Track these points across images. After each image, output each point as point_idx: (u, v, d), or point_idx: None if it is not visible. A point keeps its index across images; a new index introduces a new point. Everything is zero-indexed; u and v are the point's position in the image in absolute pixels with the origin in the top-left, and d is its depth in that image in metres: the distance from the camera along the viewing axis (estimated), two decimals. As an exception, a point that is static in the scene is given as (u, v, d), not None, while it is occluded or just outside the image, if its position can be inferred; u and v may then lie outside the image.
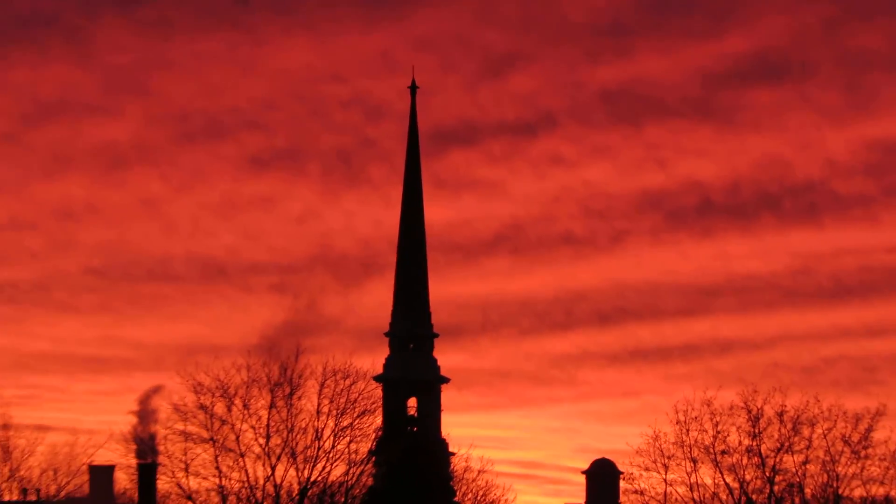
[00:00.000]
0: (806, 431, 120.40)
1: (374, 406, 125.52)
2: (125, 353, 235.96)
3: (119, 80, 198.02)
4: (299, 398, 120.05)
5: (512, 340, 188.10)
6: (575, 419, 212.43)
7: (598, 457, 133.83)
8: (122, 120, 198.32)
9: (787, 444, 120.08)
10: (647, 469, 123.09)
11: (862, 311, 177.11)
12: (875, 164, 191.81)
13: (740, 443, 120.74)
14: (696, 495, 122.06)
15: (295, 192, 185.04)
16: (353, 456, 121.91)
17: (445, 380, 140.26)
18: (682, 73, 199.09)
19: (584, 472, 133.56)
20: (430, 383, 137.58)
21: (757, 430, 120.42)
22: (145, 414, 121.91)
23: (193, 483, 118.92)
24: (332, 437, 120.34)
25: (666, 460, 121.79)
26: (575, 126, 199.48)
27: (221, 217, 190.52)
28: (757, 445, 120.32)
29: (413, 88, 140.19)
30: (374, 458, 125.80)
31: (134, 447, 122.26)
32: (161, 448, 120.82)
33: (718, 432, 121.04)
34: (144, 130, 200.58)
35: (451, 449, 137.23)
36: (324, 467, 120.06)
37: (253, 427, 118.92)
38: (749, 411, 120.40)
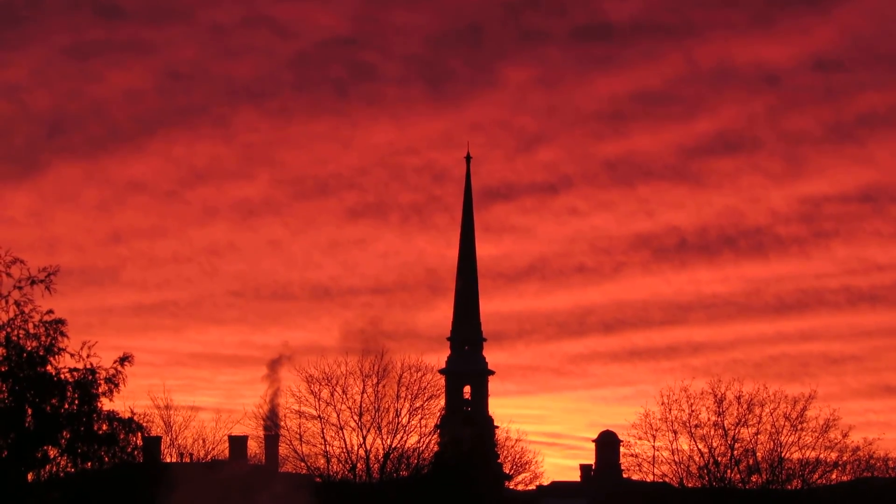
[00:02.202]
0: (757, 411, 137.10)
1: (438, 392, 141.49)
2: (256, 353, 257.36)
3: (252, 152, 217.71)
4: (384, 386, 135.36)
5: (540, 344, 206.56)
6: (586, 402, 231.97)
7: (604, 429, 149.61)
8: (255, 182, 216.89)
9: (743, 419, 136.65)
10: (639, 438, 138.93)
11: (798, 322, 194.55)
12: (806, 214, 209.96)
13: (709, 419, 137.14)
14: (676, 458, 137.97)
15: (381, 234, 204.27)
16: (423, 429, 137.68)
17: (491, 372, 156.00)
18: (665, 147, 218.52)
19: (593, 441, 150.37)
20: (479, 375, 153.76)
21: (721, 410, 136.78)
22: (273, 376, 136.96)
23: (305, 449, 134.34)
24: (407, 415, 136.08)
25: (654, 432, 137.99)
26: (586, 186, 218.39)
27: (327, 253, 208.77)
28: (721, 421, 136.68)
29: (468, 158, 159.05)
30: (438, 431, 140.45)
31: (262, 422, 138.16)
32: (281, 423, 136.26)
33: (692, 411, 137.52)
34: (271, 190, 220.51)
35: (495, 423, 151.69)
36: (401, 437, 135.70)
37: (349, 407, 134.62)
38: (715, 396, 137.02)
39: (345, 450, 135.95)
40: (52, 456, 61.11)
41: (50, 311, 61.75)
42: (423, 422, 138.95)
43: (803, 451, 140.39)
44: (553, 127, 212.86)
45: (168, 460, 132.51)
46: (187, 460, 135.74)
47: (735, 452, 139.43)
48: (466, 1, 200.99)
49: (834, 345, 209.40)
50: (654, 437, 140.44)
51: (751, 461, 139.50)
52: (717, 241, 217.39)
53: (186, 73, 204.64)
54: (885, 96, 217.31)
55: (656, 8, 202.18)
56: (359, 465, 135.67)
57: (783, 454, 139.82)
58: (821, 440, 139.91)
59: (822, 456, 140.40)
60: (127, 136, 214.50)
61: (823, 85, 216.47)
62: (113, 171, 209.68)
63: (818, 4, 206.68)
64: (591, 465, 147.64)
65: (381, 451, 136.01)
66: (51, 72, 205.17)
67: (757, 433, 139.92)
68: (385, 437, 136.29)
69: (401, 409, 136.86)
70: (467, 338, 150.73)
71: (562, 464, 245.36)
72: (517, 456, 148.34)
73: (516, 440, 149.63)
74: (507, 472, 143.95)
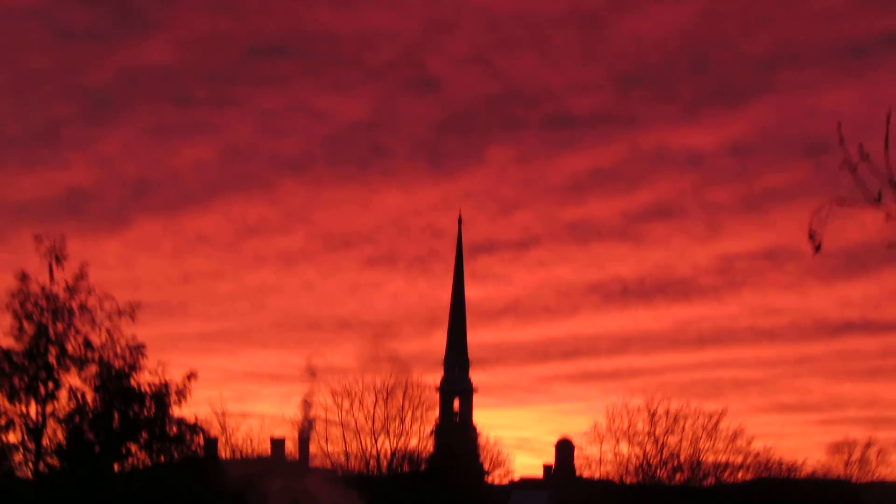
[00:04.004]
0: (681, 422, 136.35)
1: (433, 405, 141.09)
2: (293, 372, 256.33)
3: (292, 213, 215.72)
4: (392, 399, 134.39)
5: (514, 367, 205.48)
6: (549, 414, 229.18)
7: (562, 436, 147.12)
8: (294, 236, 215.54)
9: (670, 429, 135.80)
10: (590, 443, 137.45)
11: (713, 353, 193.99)
12: (722, 268, 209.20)
13: (643, 429, 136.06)
14: (617, 459, 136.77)
15: (391, 279, 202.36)
16: (422, 434, 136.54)
17: (475, 390, 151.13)
18: (613, 213, 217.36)
19: (554, 445, 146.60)
20: (466, 392, 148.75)
21: (653, 422, 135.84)
22: (308, 402, 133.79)
23: (330, 448, 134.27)
24: (410, 422, 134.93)
25: (601, 439, 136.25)
26: (551, 244, 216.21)
27: (349, 293, 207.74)
28: (653, 430, 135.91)
29: (460, 220, 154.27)
30: (433, 435, 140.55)
31: (297, 427, 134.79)
32: (312, 428, 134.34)
33: (631, 423, 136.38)
34: (306, 242, 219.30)
35: (478, 430, 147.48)
36: (405, 440, 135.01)
37: (365, 416, 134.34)
38: (648, 410, 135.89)
39: (361, 449, 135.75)
40: (133, 451, 60.96)
41: (133, 337, 61.64)
42: (422, 428, 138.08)
43: (716, 454, 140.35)
44: (527, 196, 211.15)
45: (223, 456, 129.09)
46: (238, 457, 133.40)
47: (663, 455, 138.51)
48: (460, 95, 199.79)
49: (741, 371, 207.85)
50: (601, 442, 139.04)
51: (675, 462, 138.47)
52: (652, 288, 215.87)
53: (242, 149, 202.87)
54: (785, 176, 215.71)
55: (608, 103, 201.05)
56: (371, 462, 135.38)
57: (701, 457, 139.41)
58: (730, 446, 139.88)
59: (731, 459, 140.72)
60: (195, 199, 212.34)
61: (737, 166, 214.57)
62: (184, 226, 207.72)
63: (735, 103, 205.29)
64: (551, 465, 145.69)
65: (388, 451, 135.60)
66: (137, 146, 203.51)
67: (681, 440, 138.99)
68: (392, 439, 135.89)
69: (405, 418, 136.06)
70: (457, 362, 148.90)
71: (529, 463, 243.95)
72: (494, 456, 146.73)
73: (493, 443, 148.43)
74: (486, 469, 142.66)
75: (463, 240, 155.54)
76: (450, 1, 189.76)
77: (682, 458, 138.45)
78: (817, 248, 7.98)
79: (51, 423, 60.33)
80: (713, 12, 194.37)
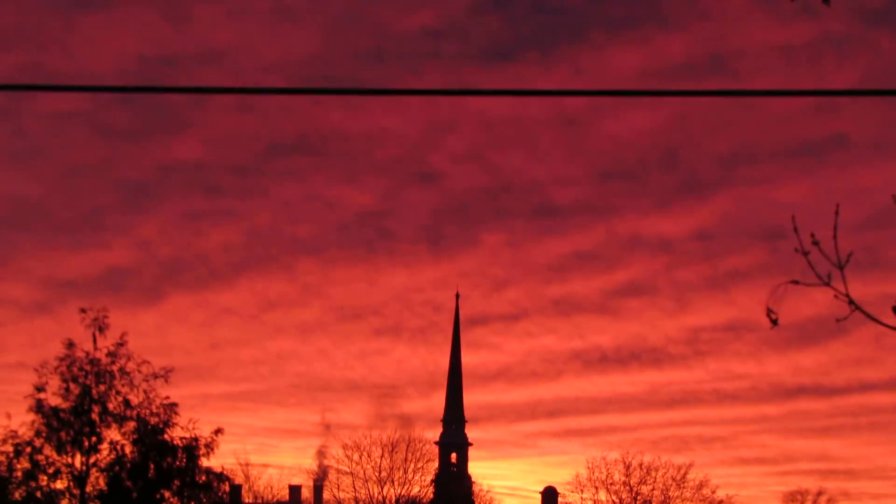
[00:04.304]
0: (653, 474, 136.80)
1: (433, 457, 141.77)
2: (310, 428, 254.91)
3: (309, 289, 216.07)
4: (396, 452, 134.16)
5: (505, 425, 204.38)
6: (536, 466, 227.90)
7: (548, 485, 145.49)
8: (310, 310, 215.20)
9: (643, 479, 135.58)
10: (572, 491, 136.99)
11: (682, 413, 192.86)
12: (689, 339, 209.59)
13: (619, 479, 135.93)
14: None
15: (396, 347, 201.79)
16: (423, 483, 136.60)
17: (470, 444, 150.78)
18: (593, 290, 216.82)
19: (540, 493, 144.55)
20: (462, 445, 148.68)
21: (628, 473, 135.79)
22: (322, 454, 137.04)
23: (342, 495, 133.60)
24: (412, 472, 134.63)
25: (582, 487, 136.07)
26: (538, 317, 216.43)
27: (358, 360, 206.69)
28: (628, 480, 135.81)
29: (457, 296, 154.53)
30: (433, 484, 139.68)
31: (313, 476, 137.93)
32: (326, 477, 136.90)
33: (608, 473, 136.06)
34: (321, 315, 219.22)
35: (473, 480, 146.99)
36: (407, 488, 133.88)
37: (372, 467, 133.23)
38: (624, 463, 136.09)
39: (368, 496, 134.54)
40: (167, 498, 60.99)
41: (167, 397, 61.75)
42: (423, 478, 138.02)
43: (684, 502, 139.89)
44: (516, 275, 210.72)
45: (246, 501, 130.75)
46: (260, 500, 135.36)
47: (638, 502, 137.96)
48: (458, 187, 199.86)
49: (706, 429, 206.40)
50: (581, 491, 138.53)
51: None
52: (627, 356, 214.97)
53: (264, 233, 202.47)
54: (745, 259, 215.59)
55: (589, 195, 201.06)
56: None
57: None
58: (696, 495, 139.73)
59: None
60: (222, 276, 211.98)
61: (703, 250, 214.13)
62: (212, 300, 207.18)
63: (700, 195, 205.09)
64: None
65: (393, 498, 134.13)
66: (171, 230, 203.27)
67: (653, 489, 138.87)
68: (396, 487, 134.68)
69: (408, 468, 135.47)
70: (454, 419, 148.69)
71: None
72: (487, 502, 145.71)
73: (487, 491, 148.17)
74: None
75: (460, 313, 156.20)
76: (449, 104, 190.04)
77: None
78: (774, 323, 7.98)
79: (93, 472, 60.51)
80: (681, 115, 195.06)
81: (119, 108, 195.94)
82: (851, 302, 7.87)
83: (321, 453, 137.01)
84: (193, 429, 61.80)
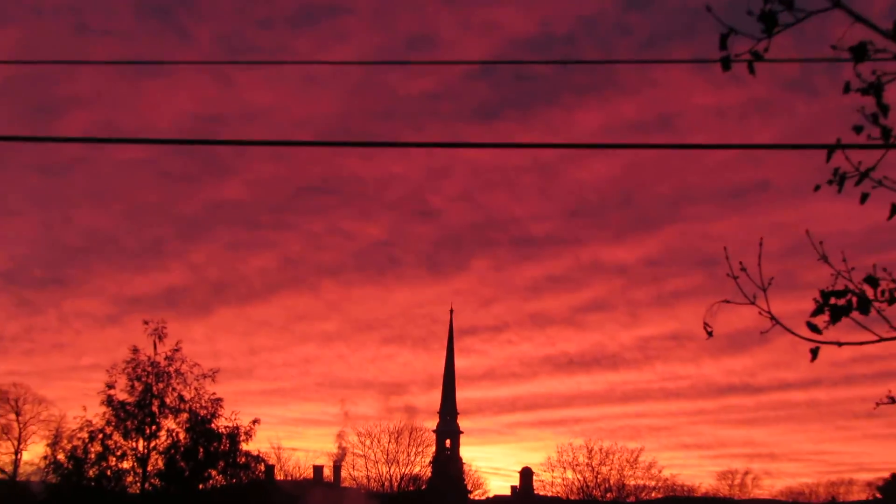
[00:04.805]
0: (611, 456, 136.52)
1: (431, 443, 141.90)
2: (331, 419, 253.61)
3: (331, 305, 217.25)
4: (401, 438, 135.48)
5: (489, 416, 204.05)
6: (516, 450, 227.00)
7: (525, 465, 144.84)
8: (331, 322, 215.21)
9: (603, 461, 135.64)
10: (545, 471, 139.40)
11: (635, 406, 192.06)
12: (640, 346, 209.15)
13: (584, 461, 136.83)
14: (564, 483, 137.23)
15: (402, 353, 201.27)
16: (423, 464, 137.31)
17: (462, 432, 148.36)
18: (562, 306, 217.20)
19: (519, 472, 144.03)
20: (455, 433, 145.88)
21: (591, 456, 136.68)
22: (340, 439, 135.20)
23: (356, 473, 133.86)
24: (414, 455, 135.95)
25: (553, 468, 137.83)
26: (516, 328, 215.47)
27: (371, 363, 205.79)
28: (590, 462, 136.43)
29: (451, 311, 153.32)
30: (431, 465, 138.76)
31: (333, 458, 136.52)
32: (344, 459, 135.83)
33: (574, 456, 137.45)
34: (341, 326, 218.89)
35: (463, 461, 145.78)
36: (410, 468, 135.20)
37: (381, 450, 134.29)
38: (587, 448, 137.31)
39: (378, 474, 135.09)
40: (213, 476, 60.81)
41: (214, 393, 61.68)
42: (423, 459, 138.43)
43: (636, 480, 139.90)
44: (500, 294, 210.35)
45: (279, 479, 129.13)
46: (289, 479, 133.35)
47: (598, 480, 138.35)
48: (452, 222, 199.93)
49: (655, 420, 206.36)
50: (552, 470, 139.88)
51: (607, 485, 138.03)
52: (590, 361, 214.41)
53: (294, 259, 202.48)
54: (686, 281, 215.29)
55: (559, 228, 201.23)
56: (385, 483, 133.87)
57: (625, 482, 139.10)
58: (646, 474, 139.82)
59: (647, 483, 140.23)
60: (260, 294, 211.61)
61: (651, 274, 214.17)
62: (251, 314, 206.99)
63: (650, 229, 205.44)
64: (517, 486, 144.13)
65: (398, 476, 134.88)
66: (218, 257, 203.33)
67: (611, 469, 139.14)
68: (401, 467, 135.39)
69: (410, 452, 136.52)
70: (449, 412, 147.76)
71: (500, 485, 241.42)
72: (475, 480, 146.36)
73: (475, 471, 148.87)
74: (469, 489, 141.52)
75: (453, 325, 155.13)
76: (445, 155, 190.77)
77: (611, 482, 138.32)
78: (709, 334, 7.97)
79: (153, 455, 60.39)
80: (634, 164, 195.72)
81: (176, 157, 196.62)
82: (772, 318, 7.85)
83: (340, 439, 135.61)
84: (235, 419, 61.73)
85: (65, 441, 60.65)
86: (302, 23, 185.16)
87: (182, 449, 60.24)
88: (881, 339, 7.95)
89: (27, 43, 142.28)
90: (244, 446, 61.85)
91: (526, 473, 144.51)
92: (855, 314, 7.76)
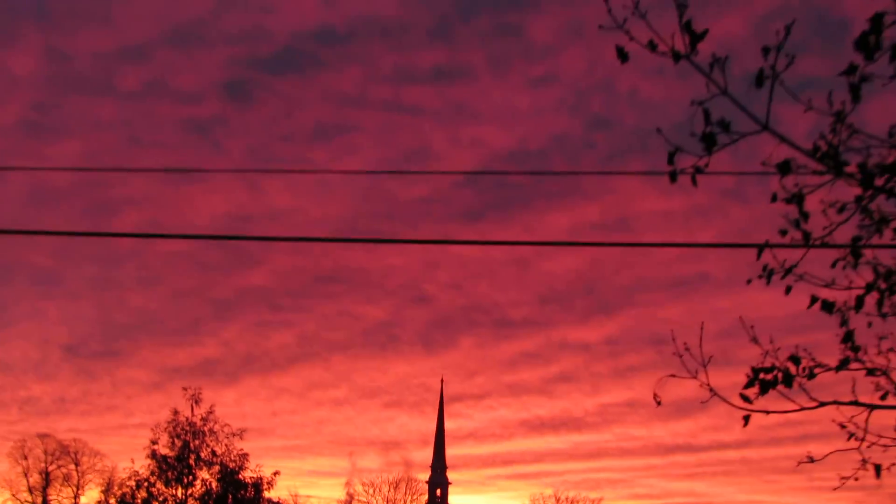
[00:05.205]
0: None
1: (424, 491, 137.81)
2: (338, 472, 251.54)
3: (341, 375, 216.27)
4: (399, 487, 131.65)
5: (474, 470, 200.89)
6: (496, 499, 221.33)
7: None
8: (341, 390, 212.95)
9: None
10: None
11: (596, 463, 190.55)
12: (600, 412, 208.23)
13: None
14: None
15: (400, 416, 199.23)
16: None
17: (450, 483, 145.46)
18: (535, 378, 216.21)
19: None
20: (444, 484, 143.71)
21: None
22: (349, 488, 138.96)
23: None
24: (410, 502, 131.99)
25: None
26: (497, 396, 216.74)
27: (374, 425, 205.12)
28: None
29: (442, 381, 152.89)
30: None
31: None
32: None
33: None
34: (349, 394, 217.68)
35: None
36: None
37: (382, 497, 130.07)
38: (556, 497, 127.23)
39: None
40: (240, 519, 59.95)
41: (241, 449, 61.16)
42: None
43: None
44: (483, 367, 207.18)
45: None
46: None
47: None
48: (443, 307, 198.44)
49: (612, 474, 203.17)
50: None
51: None
52: (558, 423, 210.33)
53: (309, 337, 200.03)
54: (639, 357, 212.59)
55: (534, 313, 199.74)
56: None
57: None
58: None
59: None
60: (281, 366, 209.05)
61: (610, 351, 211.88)
62: (274, 382, 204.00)
63: (609, 313, 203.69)
64: None
65: None
66: (246, 334, 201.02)
67: None
68: None
69: (406, 500, 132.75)
70: (439, 465, 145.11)
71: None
72: None
73: None
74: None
75: (444, 393, 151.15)
76: (437, 250, 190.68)
77: None
78: (658, 403, 7.88)
79: (190, 501, 59.67)
80: (597, 259, 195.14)
81: (211, 250, 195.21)
82: (711, 389, 7.79)
83: (348, 486, 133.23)
84: (259, 471, 61.16)
85: (115, 488, 61.12)
86: (318, 138, 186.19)
87: (214, 496, 59.70)
88: (802, 409, 7.95)
89: (88, 153, 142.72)
90: (266, 494, 61.30)
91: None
92: (780, 387, 7.76)
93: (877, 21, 6.35)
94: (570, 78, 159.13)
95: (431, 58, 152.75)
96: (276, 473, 61.93)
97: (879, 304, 7.39)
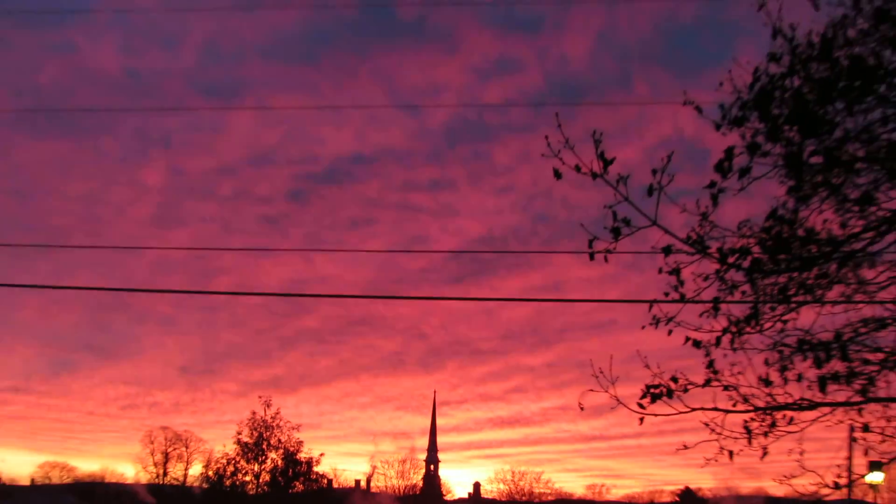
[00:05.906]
0: (525, 476, 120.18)
1: (422, 466, 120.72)
2: (364, 453, 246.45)
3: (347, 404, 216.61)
4: (405, 464, 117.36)
5: (456, 452, 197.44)
6: (471, 473, 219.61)
7: (476, 481, 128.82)
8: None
9: (520, 479, 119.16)
10: (488, 483, 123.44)
11: (539, 447, 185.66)
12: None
13: (509, 478, 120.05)
14: (498, 491, 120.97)
15: (406, 415, 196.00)
16: (418, 479, 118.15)
17: (440, 461, 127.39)
18: (513, 410, 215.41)
19: (473, 485, 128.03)
20: (437, 461, 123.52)
21: (514, 476, 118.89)
22: (371, 463, 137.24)
23: (380, 484, 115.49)
24: (413, 473, 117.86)
25: (491, 482, 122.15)
26: (475, 402, 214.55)
27: (390, 429, 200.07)
28: (514, 479, 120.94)
29: (434, 392, 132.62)
30: (423, 479, 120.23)
31: (367, 475, 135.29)
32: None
33: (504, 476, 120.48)
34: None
35: (441, 479, 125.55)
36: (411, 481, 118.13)
37: (394, 471, 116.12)
38: (512, 471, 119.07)
39: (393, 485, 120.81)
40: (296, 484, 59.13)
41: (299, 438, 60.49)
42: (418, 476, 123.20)
43: (540, 489, 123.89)
44: (462, 383, 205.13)
45: (335, 487, 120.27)
46: (341, 487, 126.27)
47: (518, 489, 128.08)
48: (436, 345, 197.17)
49: (551, 454, 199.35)
50: (491, 483, 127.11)
51: (523, 493, 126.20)
52: (514, 421, 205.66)
53: (346, 361, 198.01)
54: (570, 376, 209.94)
55: (497, 345, 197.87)
56: (398, 491, 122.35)
57: (533, 491, 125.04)
58: (545, 486, 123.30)
59: (544, 491, 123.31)
60: (326, 381, 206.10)
61: (550, 372, 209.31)
62: (320, 392, 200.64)
63: (549, 346, 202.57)
64: (471, 492, 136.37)
65: (404, 486, 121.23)
66: (301, 359, 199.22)
67: (525, 484, 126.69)
68: (405, 480, 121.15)
69: (411, 472, 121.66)
70: (433, 448, 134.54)
71: (461, 492, 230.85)
72: (447, 490, 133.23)
73: (447, 484, 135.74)
74: (444, 494, 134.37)
75: (436, 400, 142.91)
76: (433, 305, 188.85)
77: (525, 491, 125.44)
78: (582, 408, 7.93)
79: (263, 473, 58.83)
80: (540, 310, 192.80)
81: (279, 304, 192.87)
82: (617, 399, 7.78)
83: (371, 462, 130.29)
84: (310, 453, 60.60)
85: (212, 464, 60.00)
86: (352, 228, 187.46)
87: (279, 470, 59.04)
88: (680, 413, 7.98)
89: (196, 238, 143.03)
90: (315, 468, 60.59)
91: (476, 486, 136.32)
92: (665, 398, 7.78)
93: (729, 152, 6.54)
94: (522, 188, 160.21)
95: (428, 174, 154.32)
96: (321, 455, 61.40)
97: (732, 342, 7.42)
